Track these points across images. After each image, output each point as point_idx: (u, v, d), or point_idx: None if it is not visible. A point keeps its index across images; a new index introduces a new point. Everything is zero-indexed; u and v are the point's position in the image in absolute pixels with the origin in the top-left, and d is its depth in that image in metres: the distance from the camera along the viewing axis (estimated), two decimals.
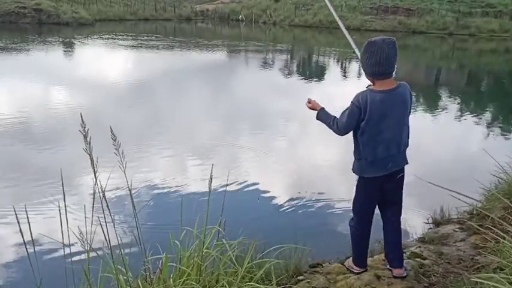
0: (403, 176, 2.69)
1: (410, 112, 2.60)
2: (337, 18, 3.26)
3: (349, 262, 3.00)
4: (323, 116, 2.71)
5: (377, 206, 2.79)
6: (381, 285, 2.74)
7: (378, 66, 2.40)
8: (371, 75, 2.49)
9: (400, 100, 2.50)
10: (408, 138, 2.64)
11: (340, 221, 4.37)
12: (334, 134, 2.65)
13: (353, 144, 2.66)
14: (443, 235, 3.63)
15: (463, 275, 2.81)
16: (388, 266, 2.91)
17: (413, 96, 2.65)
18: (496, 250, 2.69)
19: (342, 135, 2.64)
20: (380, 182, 2.63)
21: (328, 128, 2.69)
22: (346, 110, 2.57)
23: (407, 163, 2.67)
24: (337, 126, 2.60)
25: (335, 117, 2.65)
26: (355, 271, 2.91)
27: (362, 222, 2.78)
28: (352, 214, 2.83)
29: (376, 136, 2.51)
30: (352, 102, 2.52)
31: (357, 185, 2.70)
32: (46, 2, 28.72)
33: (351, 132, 2.63)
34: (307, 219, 4.32)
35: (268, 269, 2.44)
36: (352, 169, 2.70)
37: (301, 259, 2.99)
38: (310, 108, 2.79)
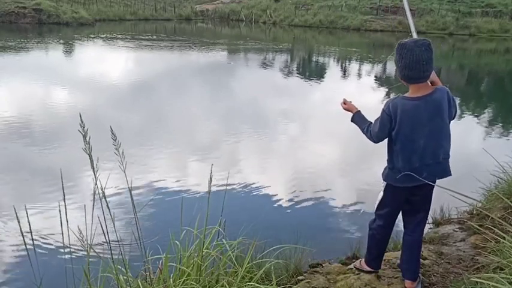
0: (433, 185, 2.47)
1: (453, 117, 2.42)
2: (410, 20, 3.05)
3: (361, 263, 2.90)
4: (358, 119, 2.61)
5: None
6: (381, 285, 2.74)
7: (408, 69, 2.26)
8: (402, 79, 2.35)
9: (434, 106, 2.33)
10: (449, 146, 2.44)
11: (340, 221, 4.37)
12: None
13: (385, 151, 2.52)
14: (443, 235, 3.63)
15: (463, 275, 2.80)
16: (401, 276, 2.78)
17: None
18: (496, 250, 2.68)
19: (376, 143, 2.53)
20: (410, 191, 2.51)
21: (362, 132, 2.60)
22: (378, 118, 2.44)
23: (449, 174, 2.46)
24: (370, 134, 2.50)
25: (370, 123, 2.53)
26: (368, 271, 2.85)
27: (385, 227, 2.68)
28: (374, 216, 2.71)
29: (408, 145, 2.37)
30: (383, 110, 2.40)
31: (384, 191, 2.58)
32: (46, 2, 28.69)
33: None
34: (307, 219, 4.32)
35: (268, 269, 2.44)
36: (382, 174, 2.58)
37: (301, 259, 2.98)
38: (345, 109, 2.68)
